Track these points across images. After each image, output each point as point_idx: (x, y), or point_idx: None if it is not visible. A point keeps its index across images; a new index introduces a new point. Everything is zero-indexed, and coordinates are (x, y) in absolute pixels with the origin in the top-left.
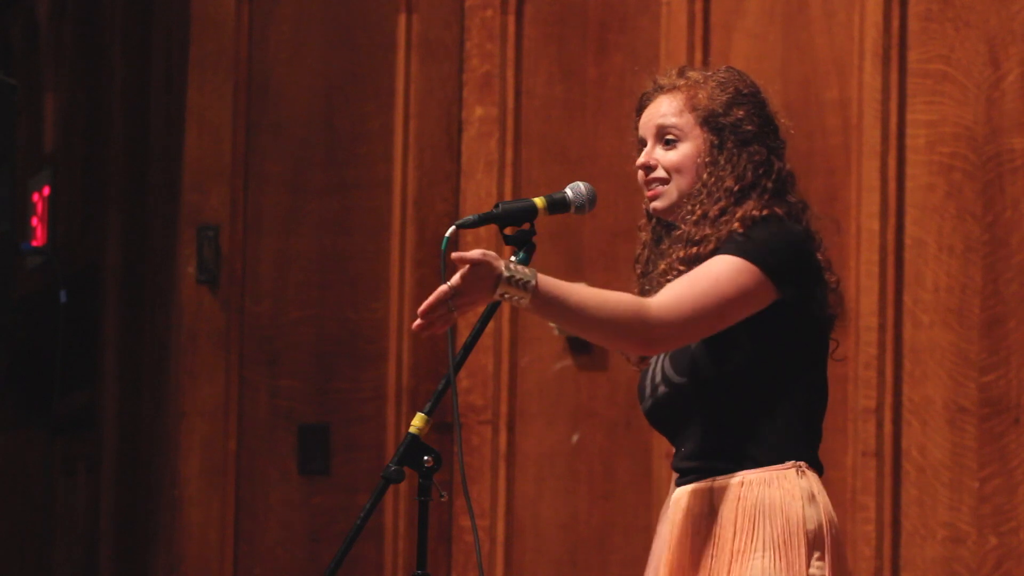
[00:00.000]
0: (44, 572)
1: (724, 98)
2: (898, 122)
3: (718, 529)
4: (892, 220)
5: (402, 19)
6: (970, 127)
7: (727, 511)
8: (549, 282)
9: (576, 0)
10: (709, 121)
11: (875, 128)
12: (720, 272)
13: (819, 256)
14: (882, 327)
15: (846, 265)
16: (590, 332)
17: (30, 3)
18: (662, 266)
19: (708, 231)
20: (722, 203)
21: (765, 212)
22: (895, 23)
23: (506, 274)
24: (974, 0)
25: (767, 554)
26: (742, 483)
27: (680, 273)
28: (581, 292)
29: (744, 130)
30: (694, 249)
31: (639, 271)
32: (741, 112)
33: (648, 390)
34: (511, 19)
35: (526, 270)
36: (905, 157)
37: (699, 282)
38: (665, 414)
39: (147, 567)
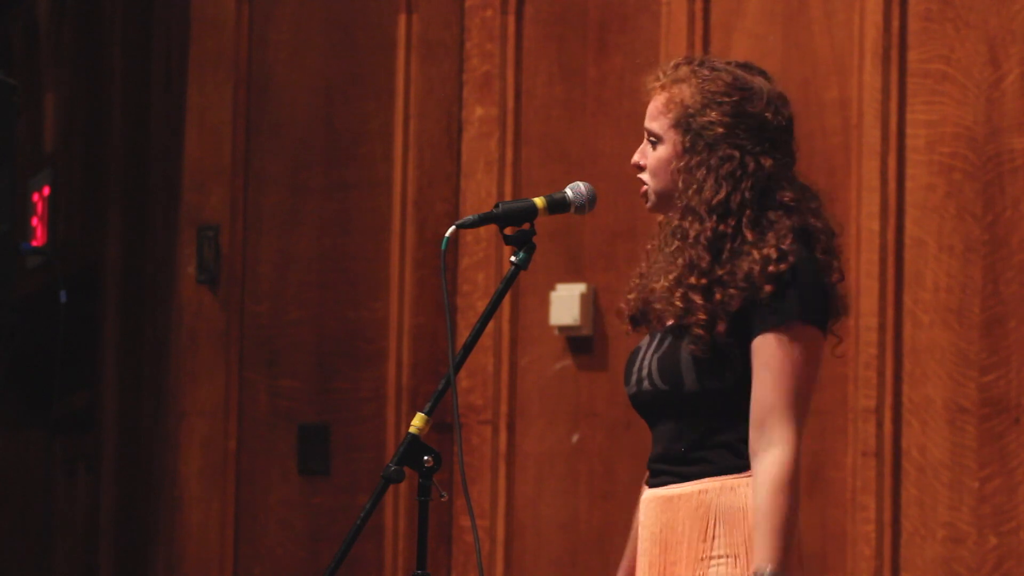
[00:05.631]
0: (44, 572)
1: (701, 99)
2: (898, 122)
3: (678, 538)
4: (892, 220)
5: (402, 19)
6: (970, 127)
7: (687, 520)
8: (768, 555)
9: (576, 0)
10: (681, 123)
11: (875, 128)
12: (783, 360)
13: (834, 264)
14: (882, 327)
15: (846, 265)
16: (797, 516)
17: (30, 3)
18: (664, 284)
19: (715, 265)
20: (709, 223)
21: (784, 246)
22: (895, 23)
23: None
24: (974, 0)
25: (727, 561)
26: (702, 491)
27: (695, 303)
28: (771, 530)
29: (714, 132)
30: (706, 284)
31: (642, 269)
32: (714, 113)
33: (634, 377)
34: (511, 19)
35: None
36: (905, 157)
37: (779, 384)
38: (645, 407)
39: (147, 567)
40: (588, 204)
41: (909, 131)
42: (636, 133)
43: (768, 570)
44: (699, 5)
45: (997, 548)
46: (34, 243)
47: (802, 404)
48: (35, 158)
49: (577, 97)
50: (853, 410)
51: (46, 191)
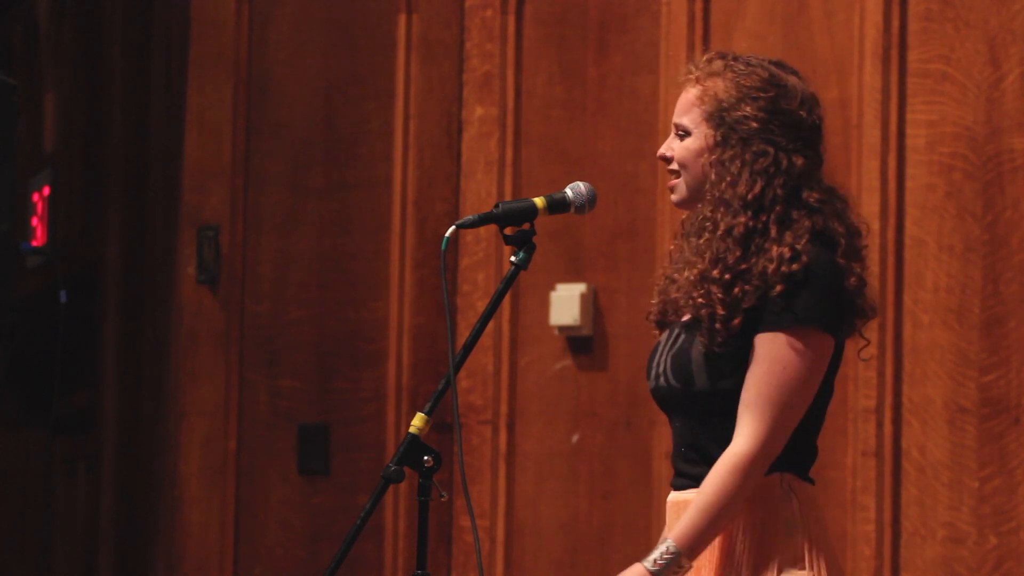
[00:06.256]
0: (44, 572)
1: (736, 93)
2: (898, 122)
3: None
4: (892, 220)
5: (402, 19)
6: (970, 127)
7: None
8: (684, 533)
9: (576, 0)
10: (714, 116)
11: (875, 128)
12: (776, 360)
13: (854, 268)
14: (882, 327)
15: None
16: (734, 515)
17: (30, 3)
18: (689, 276)
19: (742, 261)
20: (742, 217)
21: (799, 247)
22: (895, 23)
23: (653, 568)
24: (974, 0)
25: (743, 572)
26: None
27: (716, 297)
28: (704, 509)
29: (748, 127)
30: (729, 279)
31: (666, 270)
32: (748, 108)
33: (653, 372)
34: (511, 19)
35: (663, 548)
36: (905, 157)
37: (765, 381)
38: (662, 403)
39: (147, 567)
40: (588, 204)
41: (909, 131)
42: (636, 133)
43: (673, 549)
44: (699, 5)
45: (997, 548)
46: (34, 243)
47: (788, 407)
48: (35, 158)
49: (577, 97)
50: (853, 410)
51: (46, 191)
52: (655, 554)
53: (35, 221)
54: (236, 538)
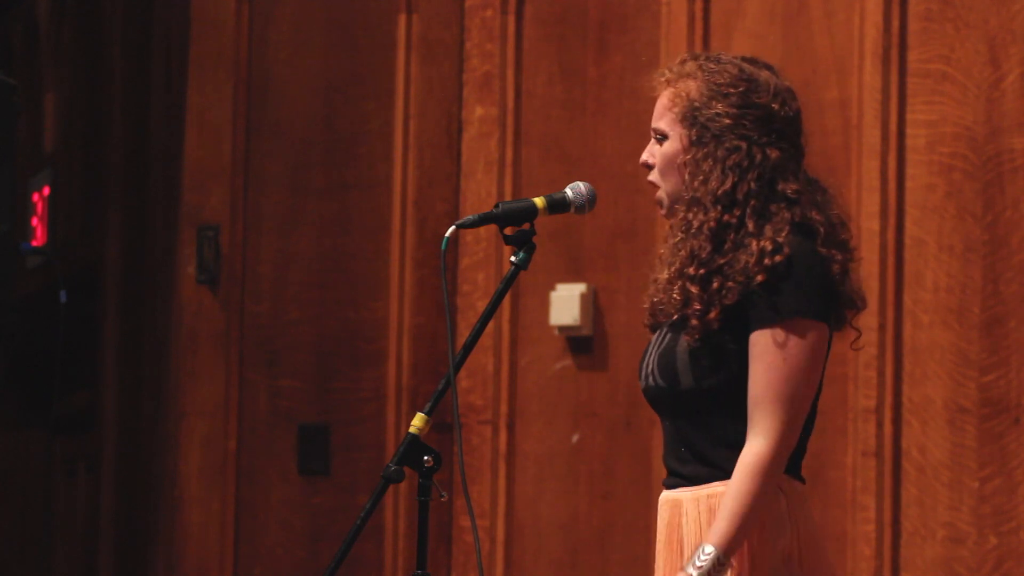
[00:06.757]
0: (44, 572)
1: (707, 91)
2: (898, 122)
3: (687, 541)
4: (892, 220)
5: (402, 19)
6: (970, 127)
7: (696, 525)
8: (721, 536)
9: (576, 0)
10: (687, 117)
11: (875, 128)
12: (775, 354)
13: (836, 257)
14: (882, 327)
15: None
16: (759, 513)
17: (30, 3)
18: (665, 275)
19: (717, 255)
20: (713, 213)
21: (779, 239)
22: (895, 23)
23: (696, 572)
24: (974, 0)
25: (731, 572)
26: (711, 496)
27: (692, 293)
28: (735, 513)
29: (720, 124)
30: (704, 274)
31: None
32: (720, 105)
33: (643, 372)
34: (511, 19)
35: (701, 551)
36: (905, 157)
37: (769, 377)
38: (652, 403)
39: (147, 567)
40: (588, 204)
41: (909, 131)
42: (636, 133)
43: (711, 551)
44: (699, 5)
45: (997, 548)
46: (34, 243)
47: (796, 399)
48: (35, 158)
49: (577, 97)
50: (853, 410)
51: (46, 191)
52: (696, 559)
53: (35, 221)
54: (236, 538)
